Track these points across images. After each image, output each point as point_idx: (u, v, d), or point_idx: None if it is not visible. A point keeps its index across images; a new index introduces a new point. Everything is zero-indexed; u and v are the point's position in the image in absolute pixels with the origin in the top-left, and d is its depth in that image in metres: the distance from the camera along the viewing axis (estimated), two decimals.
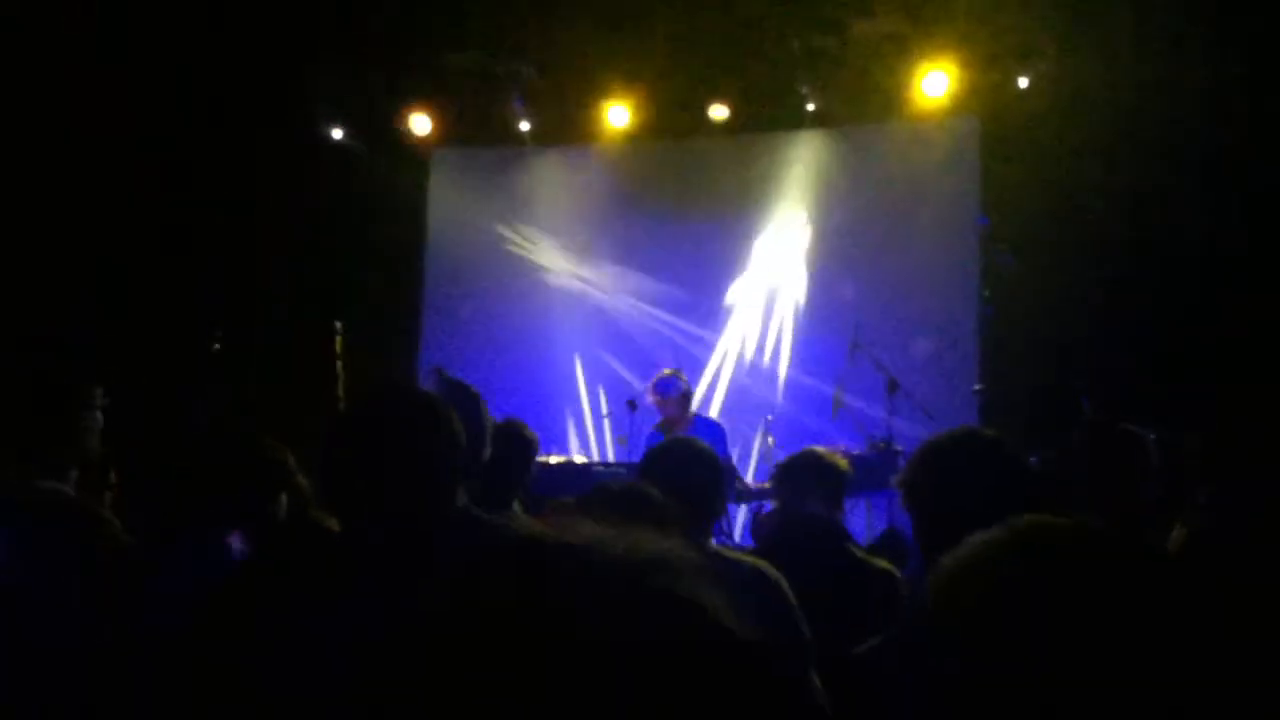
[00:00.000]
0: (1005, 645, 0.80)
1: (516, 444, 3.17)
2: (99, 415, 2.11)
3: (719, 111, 7.35)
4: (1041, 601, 0.80)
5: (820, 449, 3.33)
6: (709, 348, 7.01)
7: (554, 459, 6.30)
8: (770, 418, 7.05)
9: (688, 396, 6.15)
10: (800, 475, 3.14)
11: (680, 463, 2.65)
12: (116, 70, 6.68)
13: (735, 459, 6.12)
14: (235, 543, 2.21)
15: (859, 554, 3.08)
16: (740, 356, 7.32)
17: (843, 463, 3.26)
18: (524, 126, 7.84)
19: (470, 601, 0.68)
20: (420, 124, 7.89)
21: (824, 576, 2.74)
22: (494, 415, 2.66)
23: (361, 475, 1.67)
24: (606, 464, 6.26)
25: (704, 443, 2.78)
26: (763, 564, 2.49)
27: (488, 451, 2.04)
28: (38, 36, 6.35)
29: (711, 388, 7.58)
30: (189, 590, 1.91)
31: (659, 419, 6.12)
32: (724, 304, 7.61)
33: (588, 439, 7.73)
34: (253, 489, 2.47)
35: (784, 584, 2.42)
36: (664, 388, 6.03)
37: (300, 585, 1.63)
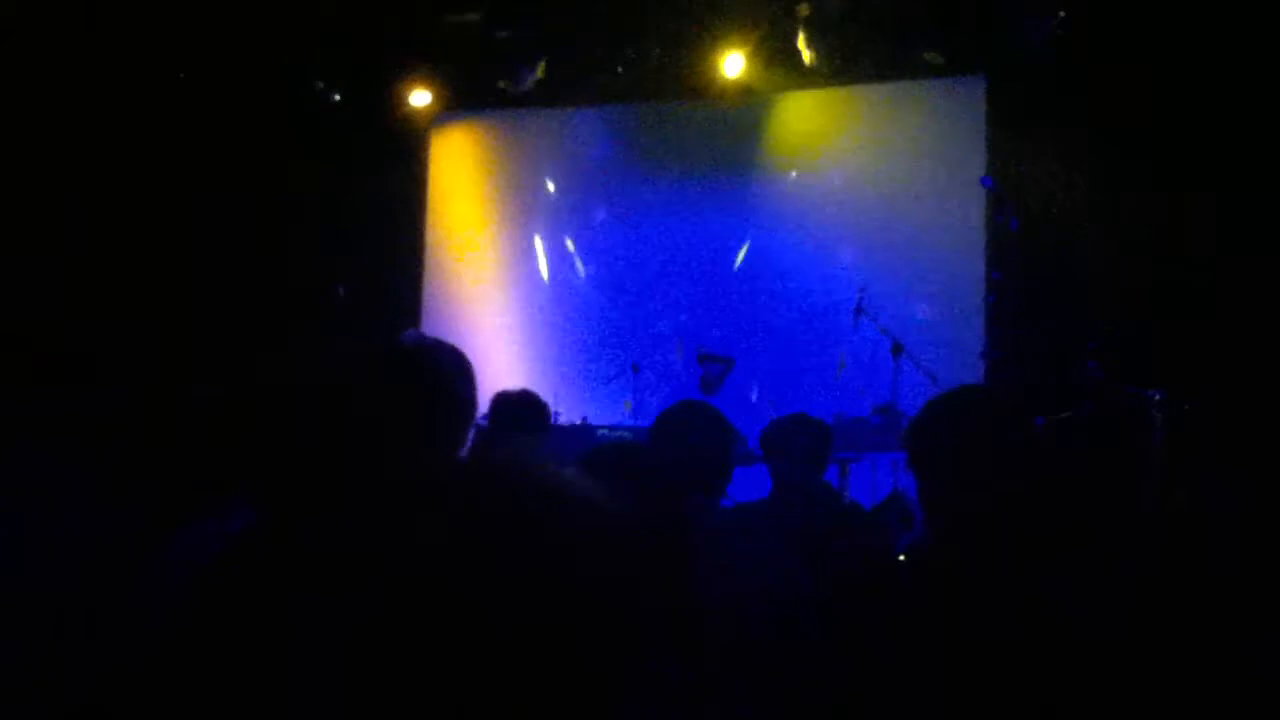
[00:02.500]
0: None
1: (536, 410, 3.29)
2: None
3: (729, 70, 7.27)
4: None
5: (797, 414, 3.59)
6: (710, 312, 7.00)
7: (562, 422, 6.32)
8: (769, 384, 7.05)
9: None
10: (781, 440, 3.27)
11: (690, 427, 2.67)
12: (104, 40, 6.61)
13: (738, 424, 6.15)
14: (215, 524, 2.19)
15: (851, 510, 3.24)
16: (742, 321, 7.30)
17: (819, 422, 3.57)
18: (524, 90, 7.76)
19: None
20: (419, 89, 7.82)
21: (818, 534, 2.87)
22: (502, 381, 2.68)
23: (367, 427, 1.67)
24: (612, 427, 6.28)
25: (714, 407, 2.80)
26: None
27: (477, 412, 2.06)
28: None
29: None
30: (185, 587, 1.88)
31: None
32: (727, 268, 7.59)
33: (592, 402, 7.73)
34: (248, 453, 2.46)
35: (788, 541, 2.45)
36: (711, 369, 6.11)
37: (295, 574, 1.61)
